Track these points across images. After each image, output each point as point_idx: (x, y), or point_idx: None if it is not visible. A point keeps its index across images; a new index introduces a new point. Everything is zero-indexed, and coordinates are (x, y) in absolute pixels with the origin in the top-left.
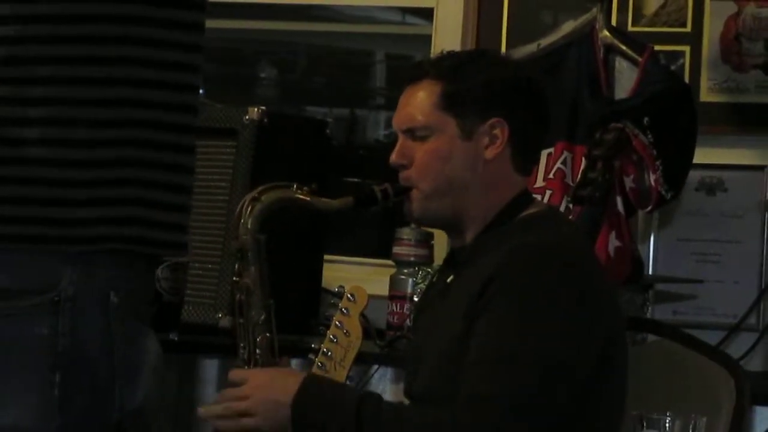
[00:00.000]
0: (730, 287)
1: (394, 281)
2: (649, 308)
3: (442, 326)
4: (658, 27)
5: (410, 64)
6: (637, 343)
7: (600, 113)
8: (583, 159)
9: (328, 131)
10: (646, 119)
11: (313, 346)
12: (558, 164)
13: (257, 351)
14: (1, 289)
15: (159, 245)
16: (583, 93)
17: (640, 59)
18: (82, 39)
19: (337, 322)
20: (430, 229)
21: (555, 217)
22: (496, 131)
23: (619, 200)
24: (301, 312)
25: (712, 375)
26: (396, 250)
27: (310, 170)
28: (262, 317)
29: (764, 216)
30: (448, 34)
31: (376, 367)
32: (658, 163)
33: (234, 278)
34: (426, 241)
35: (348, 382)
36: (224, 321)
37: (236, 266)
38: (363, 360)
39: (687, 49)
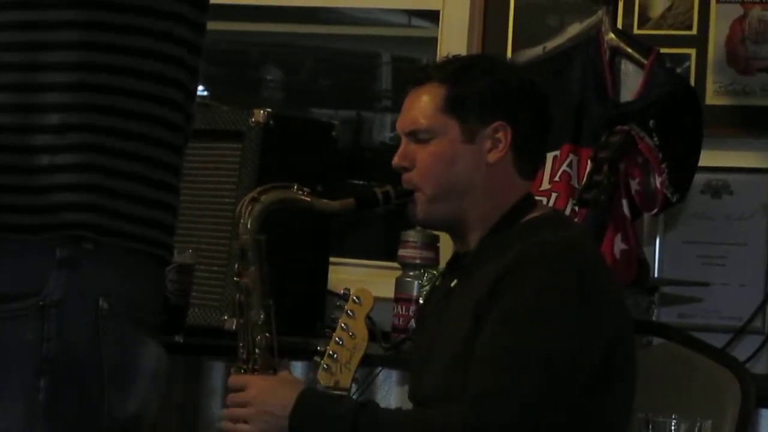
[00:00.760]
0: (735, 290)
1: (399, 284)
2: (655, 311)
3: (449, 329)
4: (663, 30)
5: (415, 67)
6: (642, 346)
7: (606, 116)
8: (589, 162)
9: (333, 133)
10: (651, 122)
11: (318, 348)
12: (564, 167)
13: (256, 351)
14: None
15: (124, 236)
16: (588, 96)
17: (645, 62)
18: (46, 25)
19: (342, 325)
20: (435, 232)
21: (559, 220)
22: (499, 135)
23: (624, 203)
24: (307, 314)
25: (718, 378)
26: (402, 252)
27: (316, 172)
28: (262, 317)
29: None
30: (454, 37)
31: (381, 369)
32: (663, 165)
33: (234, 278)
34: (432, 244)
35: (353, 384)
36: (230, 323)
37: (236, 266)
38: (368, 362)
39: (693, 51)
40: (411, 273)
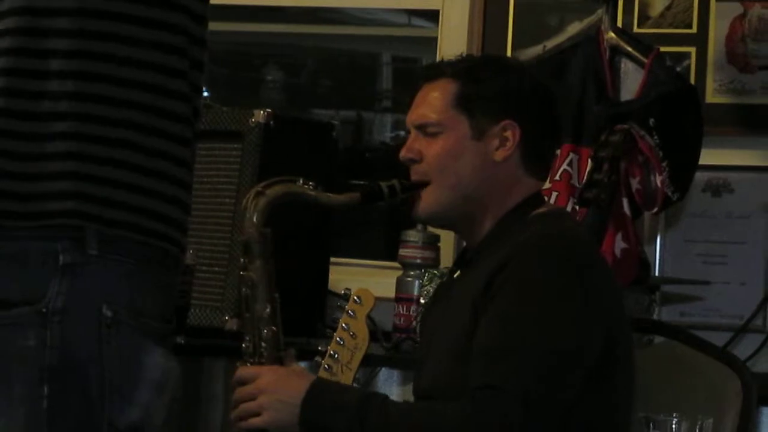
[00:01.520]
0: (736, 288)
1: (400, 283)
2: (656, 309)
3: (450, 321)
4: (663, 28)
5: (424, 64)
6: (643, 345)
7: (606, 115)
8: (589, 161)
9: (334, 134)
10: (652, 120)
11: (319, 348)
12: (564, 166)
13: (262, 344)
14: None
15: (106, 223)
16: (588, 95)
17: (645, 60)
18: (45, 12)
19: (343, 325)
20: (436, 231)
21: (563, 217)
22: (507, 133)
23: (625, 202)
24: (308, 314)
25: (719, 376)
26: (402, 252)
27: (316, 173)
28: (267, 311)
29: None
30: (454, 37)
31: (382, 369)
32: (664, 164)
33: (240, 272)
34: (432, 244)
35: (354, 384)
36: (231, 324)
37: (242, 260)
38: (369, 362)
39: (693, 50)
40: (412, 273)
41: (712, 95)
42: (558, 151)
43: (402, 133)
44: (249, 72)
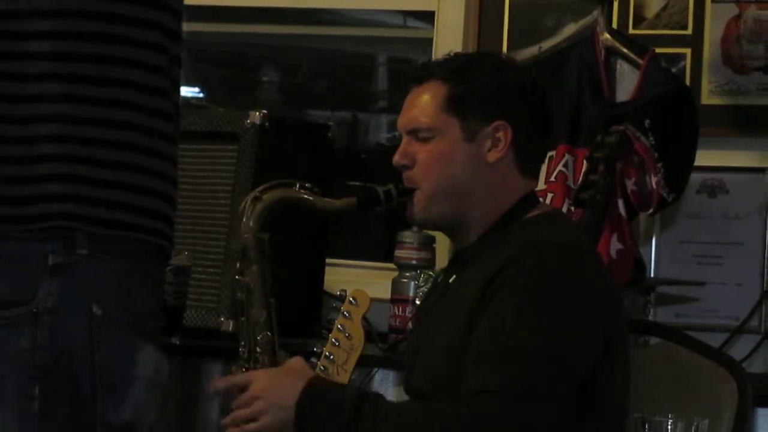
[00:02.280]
0: (732, 289)
1: (396, 284)
2: (652, 311)
3: (444, 322)
4: (659, 30)
5: (416, 65)
6: (639, 346)
7: (601, 116)
8: (585, 162)
9: (330, 135)
10: (647, 122)
11: (315, 349)
12: (559, 167)
13: (257, 350)
14: None
15: (98, 223)
16: (584, 96)
17: (641, 62)
18: (24, 14)
19: (339, 326)
20: (432, 232)
21: (557, 219)
22: (499, 134)
23: (620, 203)
24: (304, 315)
25: (715, 377)
26: (398, 253)
27: (312, 174)
28: (263, 316)
29: (766, 218)
30: (450, 38)
31: (377, 370)
32: (659, 165)
33: (236, 277)
34: (428, 245)
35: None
36: (226, 325)
37: (238, 265)
38: (365, 363)
39: (688, 51)
40: (407, 274)
41: (708, 96)
42: (553, 152)
43: (398, 133)
44: (244, 73)
